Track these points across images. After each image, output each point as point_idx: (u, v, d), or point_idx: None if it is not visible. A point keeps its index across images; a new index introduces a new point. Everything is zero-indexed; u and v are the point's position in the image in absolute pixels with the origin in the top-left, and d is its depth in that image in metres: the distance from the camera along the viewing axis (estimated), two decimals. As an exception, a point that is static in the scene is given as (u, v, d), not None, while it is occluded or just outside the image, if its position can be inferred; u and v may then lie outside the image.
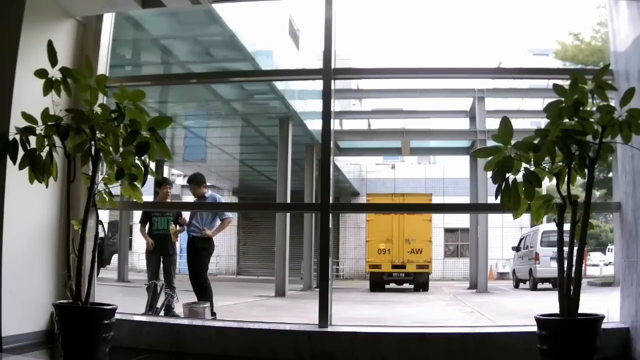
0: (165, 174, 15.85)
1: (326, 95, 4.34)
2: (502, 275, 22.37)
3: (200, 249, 6.48)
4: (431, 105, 18.84)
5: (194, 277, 6.45)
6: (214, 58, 10.90)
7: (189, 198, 7.19)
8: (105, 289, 8.62)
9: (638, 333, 3.66)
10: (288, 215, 13.71)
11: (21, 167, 3.31)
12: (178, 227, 6.77)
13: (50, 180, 3.39)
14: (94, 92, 3.37)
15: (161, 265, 6.62)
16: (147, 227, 6.72)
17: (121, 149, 3.27)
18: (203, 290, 6.25)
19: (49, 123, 3.31)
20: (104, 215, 17.07)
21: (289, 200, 14.06)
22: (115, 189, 3.53)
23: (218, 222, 6.55)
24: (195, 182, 6.60)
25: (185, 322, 4.66)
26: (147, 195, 4.50)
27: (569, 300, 2.87)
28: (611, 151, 3.05)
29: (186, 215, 6.89)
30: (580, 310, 2.87)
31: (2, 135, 3.43)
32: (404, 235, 16.45)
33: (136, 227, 18.06)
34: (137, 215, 12.49)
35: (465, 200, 18.70)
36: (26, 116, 3.33)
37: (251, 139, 16.33)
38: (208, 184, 6.83)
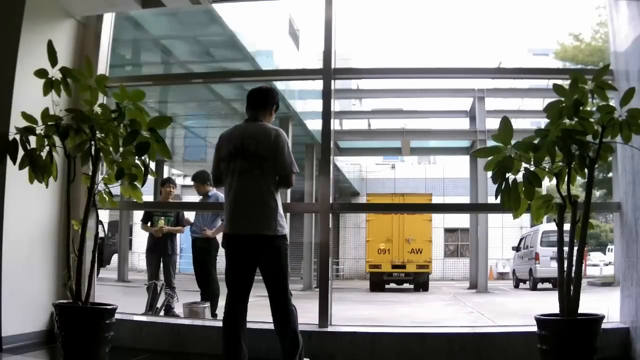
0: (165, 174, 15.81)
1: (326, 95, 4.35)
2: (502, 275, 22.34)
3: (201, 250, 6.47)
4: (431, 105, 18.82)
5: (197, 278, 6.45)
6: (214, 58, 10.90)
7: (190, 198, 7.18)
8: (105, 289, 8.61)
9: (638, 333, 3.66)
10: (288, 215, 13.70)
11: (21, 167, 3.32)
12: (179, 226, 6.75)
13: (50, 180, 3.40)
14: (94, 92, 3.37)
15: (161, 265, 6.61)
16: (148, 225, 6.72)
17: (121, 149, 3.28)
18: (209, 292, 6.23)
19: (49, 123, 3.31)
20: (104, 215, 17.05)
21: (289, 200, 14.06)
22: (115, 189, 3.53)
23: (219, 222, 6.54)
24: (200, 179, 6.59)
25: (185, 322, 4.67)
26: (148, 195, 4.50)
27: (569, 300, 2.87)
28: (611, 151, 3.05)
29: (191, 215, 6.87)
30: (580, 310, 2.88)
31: (2, 135, 3.43)
32: (404, 235, 16.43)
33: (136, 227, 18.08)
34: (137, 215, 12.51)
35: (465, 200, 18.68)
36: (26, 116, 3.33)
37: (251, 139, 16.30)
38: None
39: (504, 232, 21.30)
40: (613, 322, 3.89)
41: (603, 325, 2.87)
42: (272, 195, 3.19)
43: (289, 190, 13.84)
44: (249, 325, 4.01)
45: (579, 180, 3.14)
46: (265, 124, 3.32)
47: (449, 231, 24.65)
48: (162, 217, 6.62)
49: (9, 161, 3.37)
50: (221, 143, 3.33)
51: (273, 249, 3.18)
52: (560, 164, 3.00)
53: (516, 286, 17.23)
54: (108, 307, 3.24)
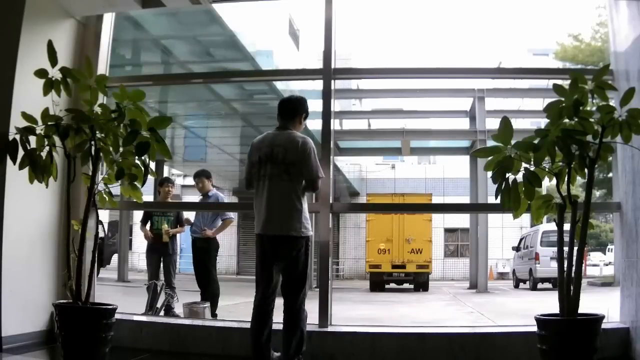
0: (165, 174, 15.80)
1: (326, 95, 4.35)
2: (502, 275, 22.32)
3: (201, 250, 6.47)
4: (431, 105, 18.80)
5: (197, 278, 6.45)
6: (214, 58, 10.89)
7: (189, 198, 7.18)
8: (105, 289, 8.60)
9: (638, 333, 3.66)
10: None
11: (21, 167, 3.32)
12: (178, 227, 6.75)
13: (50, 180, 3.40)
14: (94, 92, 3.37)
15: (161, 265, 6.61)
16: (147, 226, 6.72)
17: (121, 149, 3.28)
18: (209, 292, 6.23)
19: (49, 123, 3.31)
20: (104, 215, 17.04)
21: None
22: (115, 189, 3.53)
23: (219, 222, 6.54)
24: (205, 175, 6.63)
25: (185, 322, 4.66)
26: (147, 195, 4.50)
27: (569, 300, 2.87)
28: (611, 151, 3.05)
29: (191, 215, 6.88)
30: (580, 310, 2.88)
31: (2, 135, 3.43)
32: (404, 235, 16.41)
33: (136, 227, 18.08)
34: (137, 215, 12.50)
35: (465, 200, 18.66)
36: (26, 116, 3.33)
37: (251, 139, 16.22)
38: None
39: (504, 232, 21.28)
40: (613, 322, 3.89)
41: (603, 325, 2.88)
42: (298, 198, 3.42)
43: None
44: (249, 325, 4.01)
45: (579, 180, 3.14)
46: (293, 132, 3.55)
47: (449, 231, 24.63)
48: (163, 217, 6.62)
49: (9, 161, 3.37)
50: (252, 149, 3.59)
51: (296, 248, 3.40)
52: (560, 164, 3.00)
53: (516, 286, 17.23)
54: (108, 307, 3.24)
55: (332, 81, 4.38)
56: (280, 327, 3.47)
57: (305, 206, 3.46)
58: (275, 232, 3.40)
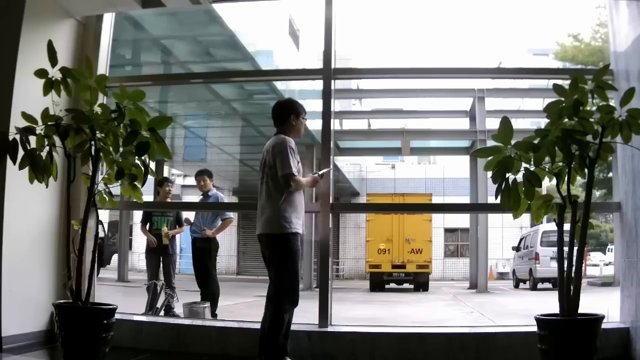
0: (165, 174, 15.78)
1: (326, 95, 4.35)
2: (502, 275, 22.32)
3: (202, 250, 6.47)
4: (431, 105, 18.79)
5: (197, 278, 6.45)
6: (214, 58, 10.89)
7: (189, 198, 7.19)
8: (105, 289, 8.60)
9: (638, 333, 3.66)
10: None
11: (21, 167, 3.32)
12: (177, 227, 6.76)
13: (50, 180, 3.40)
14: (94, 92, 3.37)
15: (161, 265, 6.61)
16: (147, 226, 6.72)
17: (121, 149, 3.28)
18: (209, 292, 6.24)
19: (49, 123, 3.31)
20: (104, 215, 17.04)
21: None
22: (115, 189, 3.53)
23: (219, 222, 6.55)
24: (207, 174, 6.66)
25: (185, 322, 4.66)
26: (147, 195, 4.50)
27: (569, 300, 2.87)
28: (611, 151, 3.05)
29: (191, 215, 6.89)
30: (580, 310, 2.88)
31: (2, 135, 3.44)
32: (404, 235, 16.41)
33: (136, 227, 18.08)
34: (137, 215, 12.51)
35: (465, 200, 18.66)
36: (26, 116, 3.33)
37: (251, 139, 16.31)
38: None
39: (504, 232, 21.27)
40: (613, 322, 3.89)
41: (603, 325, 2.88)
42: (275, 197, 3.53)
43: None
44: (249, 326, 4.03)
45: (579, 180, 3.14)
46: (278, 135, 3.65)
47: (449, 231, 24.63)
48: (162, 217, 6.62)
49: (9, 161, 3.37)
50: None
51: (275, 245, 3.52)
52: (560, 164, 3.00)
53: (516, 286, 17.23)
54: (108, 307, 3.24)
55: (332, 81, 4.38)
56: (295, 327, 3.55)
57: (284, 205, 3.51)
58: (259, 231, 3.60)
